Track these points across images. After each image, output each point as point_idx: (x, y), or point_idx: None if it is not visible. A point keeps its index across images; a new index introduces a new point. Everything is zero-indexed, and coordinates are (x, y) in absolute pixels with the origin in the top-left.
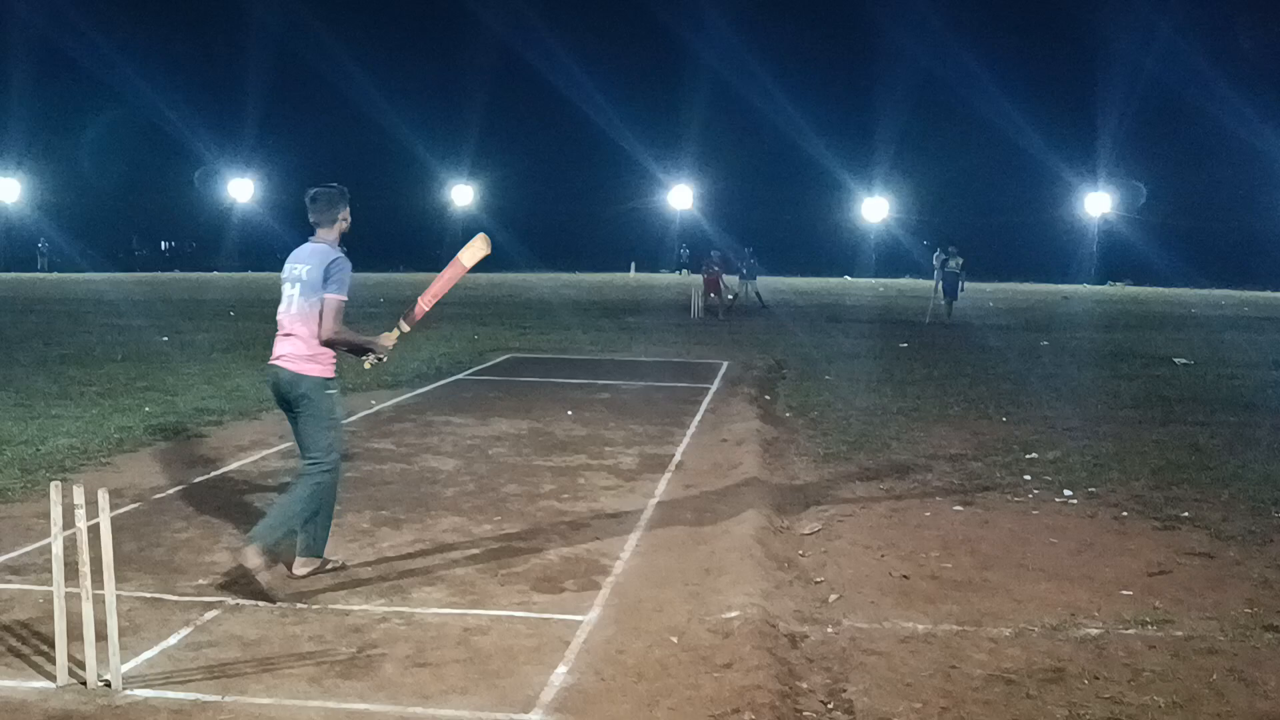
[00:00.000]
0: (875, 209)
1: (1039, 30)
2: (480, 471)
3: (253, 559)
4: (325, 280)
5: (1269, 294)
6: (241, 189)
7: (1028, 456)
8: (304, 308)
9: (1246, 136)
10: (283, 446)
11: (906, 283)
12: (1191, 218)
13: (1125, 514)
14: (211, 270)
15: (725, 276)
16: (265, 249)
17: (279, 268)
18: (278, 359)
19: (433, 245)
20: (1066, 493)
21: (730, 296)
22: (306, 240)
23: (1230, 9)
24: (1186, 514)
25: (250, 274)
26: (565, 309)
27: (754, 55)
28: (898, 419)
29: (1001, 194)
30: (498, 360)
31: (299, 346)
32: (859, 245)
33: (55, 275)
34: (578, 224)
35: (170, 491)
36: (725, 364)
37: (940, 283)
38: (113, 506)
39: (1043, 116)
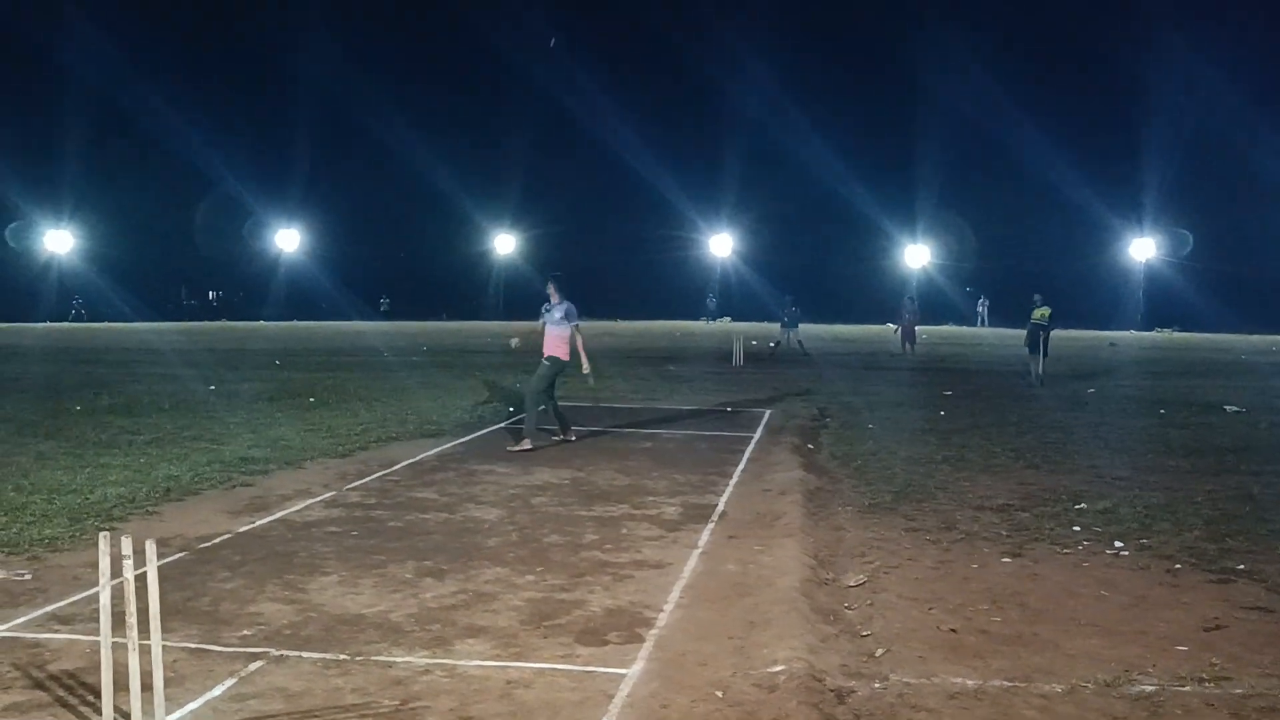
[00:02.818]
0: (917, 256)
1: (1082, 76)
2: (523, 521)
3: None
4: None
5: None
6: (288, 239)
7: (1077, 507)
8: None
9: None
10: (326, 496)
11: (949, 330)
12: (1239, 263)
13: (1178, 566)
14: (258, 320)
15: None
16: (310, 299)
17: (324, 317)
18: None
19: (476, 294)
20: (1117, 544)
21: (772, 345)
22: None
23: (1272, 51)
24: (1241, 566)
25: (296, 323)
26: (606, 357)
27: (794, 102)
28: (942, 468)
29: (1046, 240)
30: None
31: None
32: (901, 292)
33: (97, 325)
34: (618, 272)
35: (216, 540)
36: (768, 413)
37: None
38: (159, 556)
39: (1087, 162)
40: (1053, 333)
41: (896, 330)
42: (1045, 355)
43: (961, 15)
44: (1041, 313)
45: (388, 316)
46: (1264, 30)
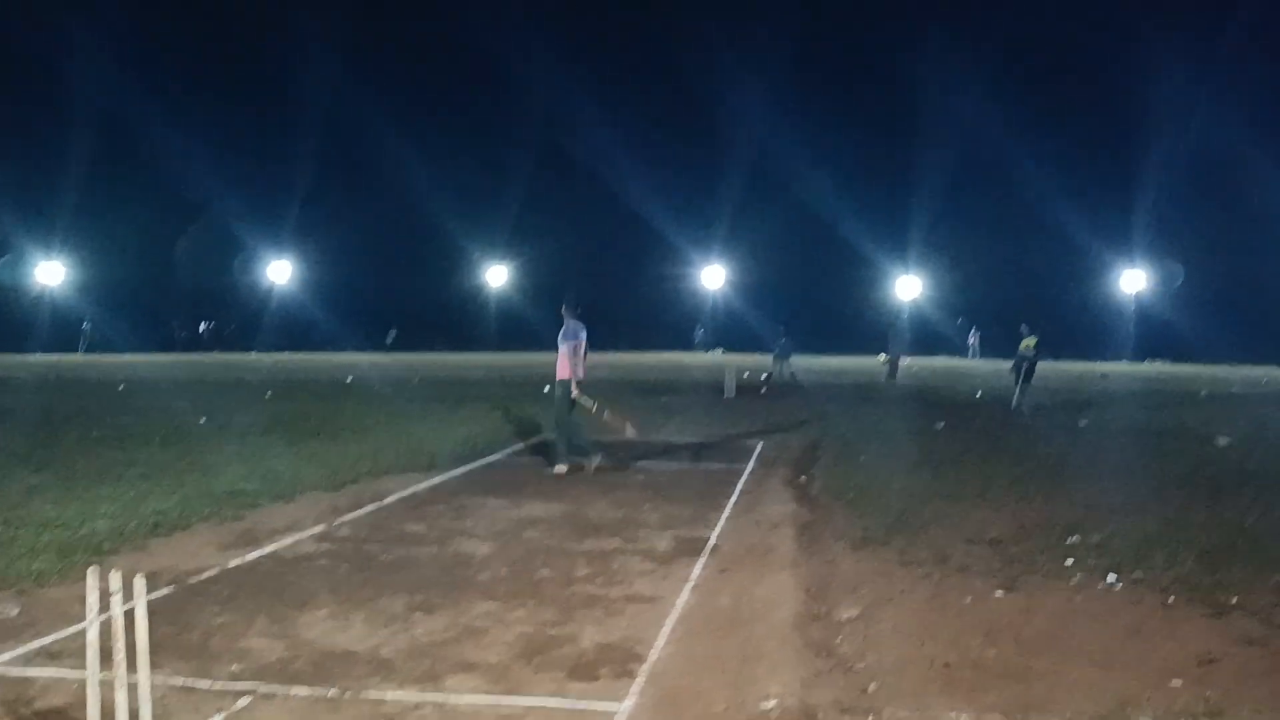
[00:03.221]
0: (908, 287)
1: (1074, 106)
2: (514, 555)
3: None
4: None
5: None
6: (280, 270)
7: (1070, 539)
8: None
9: None
10: (317, 529)
11: (940, 361)
12: (1230, 294)
13: (1172, 599)
14: (250, 351)
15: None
16: (303, 330)
17: (317, 348)
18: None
19: (469, 325)
20: (1111, 576)
21: (764, 376)
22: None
23: (1266, 84)
24: (1235, 599)
25: (288, 354)
26: (600, 388)
27: (787, 133)
28: (936, 501)
29: (1037, 271)
30: (532, 440)
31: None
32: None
33: (95, 356)
34: (612, 303)
35: (206, 575)
36: (760, 444)
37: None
38: (148, 590)
39: (1079, 192)
40: (1042, 363)
41: (885, 361)
42: (1029, 384)
43: (954, 47)
44: (1028, 343)
45: (395, 348)
46: (1258, 61)
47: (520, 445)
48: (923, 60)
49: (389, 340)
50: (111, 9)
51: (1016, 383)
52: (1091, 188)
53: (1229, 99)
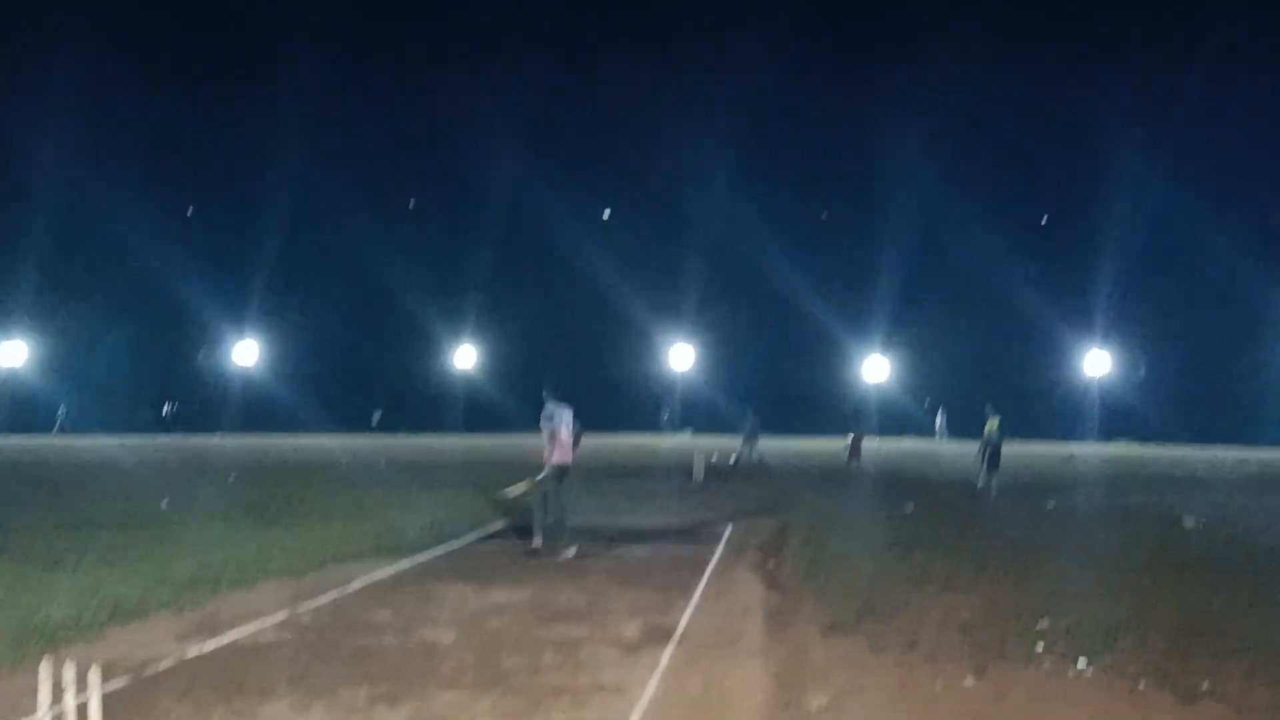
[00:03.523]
0: (876, 368)
1: (1036, 191)
2: (480, 644)
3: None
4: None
5: (1275, 453)
6: (245, 352)
7: (1039, 624)
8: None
9: (1246, 295)
10: (279, 617)
11: (908, 444)
12: (1192, 376)
13: (1142, 685)
14: (214, 433)
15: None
16: (268, 412)
17: (282, 430)
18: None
19: (433, 407)
20: (1081, 662)
21: (732, 459)
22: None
23: (1220, 170)
24: (1206, 685)
25: (252, 437)
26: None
27: (752, 216)
28: (905, 585)
29: (1002, 352)
30: (498, 526)
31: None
32: (863, 405)
33: (69, 439)
34: (579, 385)
35: (163, 665)
36: (729, 528)
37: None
38: (104, 681)
39: (1039, 276)
40: (1010, 443)
41: (847, 445)
42: (996, 468)
43: (912, 137)
44: (992, 424)
45: (379, 428)
46: (1209, 145)
47: (486, 530)
48: (883, 148)
49: (374, 421)
50: (68, 90)
51: (982, 465)
52: (1052, 271)
53: (1185, 181)
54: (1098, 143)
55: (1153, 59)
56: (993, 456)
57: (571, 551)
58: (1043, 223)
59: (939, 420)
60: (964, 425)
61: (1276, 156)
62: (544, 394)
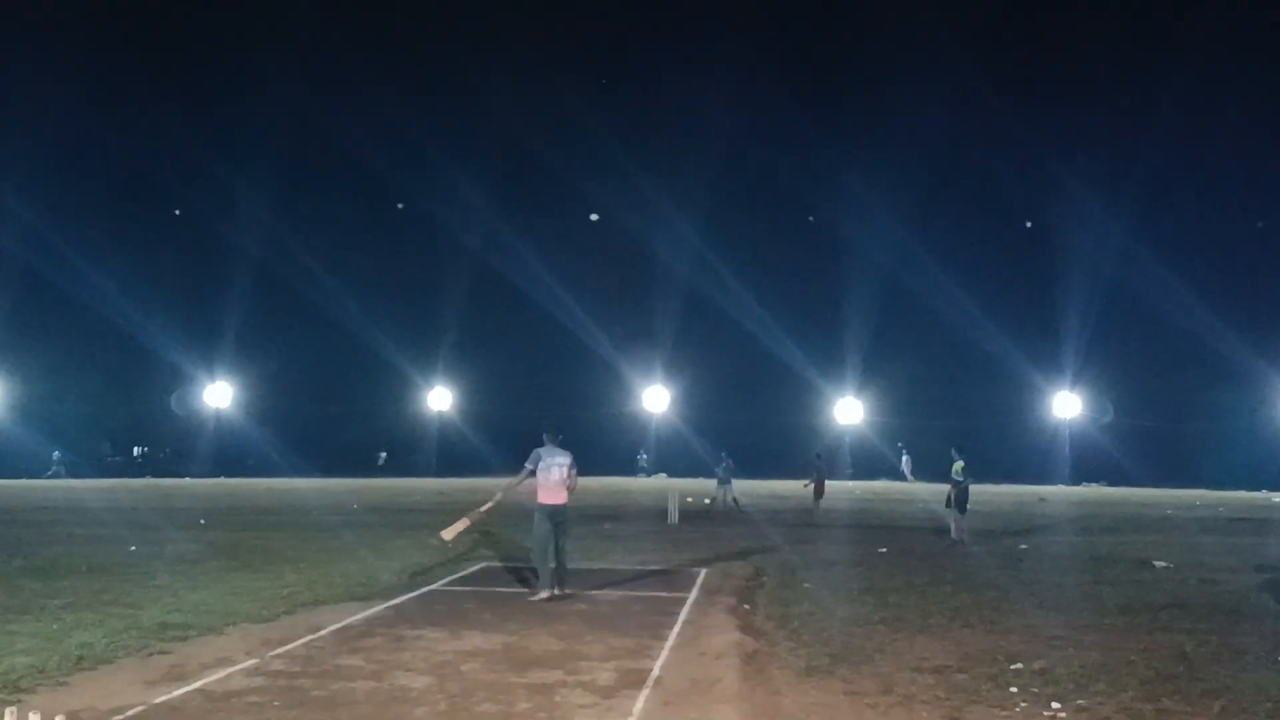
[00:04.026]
0: (849, 411)
1: (1002, 237)
2: (453, 689)
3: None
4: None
5: (1242, 494)
6: (218, 394)
7: (1013, 667)
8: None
9: (1210, 340)
10: (248, 663)
11: (881, 485)
12: (1161, 419)
13: None
14: (185, 477)
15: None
16: (239, 455)
17: (254, 474)
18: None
19: (409, 450)
20: (1054, 705)
21: (707, 502)
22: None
23: (1182, 216)
24: None
25: (224, 480)
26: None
27: (721, 259)
28: (879, 629)
29: (974, 396)
30: (472, 570)
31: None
32: (834, 448)
33: (63, 482)
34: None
35: (130, 713)
36: (703, 572)
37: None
38: None
39: (1011, 320)
40: (982, 487)
41: (807, 485)
42: (963, 512)
43: (882, 176)
44: (957, 467)
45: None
46: (1168, 193)
47: (459, 574)
48: (851, 194)
49: (380, 463)
50: (32, 131)
51: (950, 510)
52: (1020, 317)
53: (1148, 227)
54: (1062, 188)
55: (1114, 109)
56: (958, 500)
57: (544, 595)
58: (1027, 226)
59: (904, 463)
60: (935, 467)
61: (1238, 201)
62: (544, 436)
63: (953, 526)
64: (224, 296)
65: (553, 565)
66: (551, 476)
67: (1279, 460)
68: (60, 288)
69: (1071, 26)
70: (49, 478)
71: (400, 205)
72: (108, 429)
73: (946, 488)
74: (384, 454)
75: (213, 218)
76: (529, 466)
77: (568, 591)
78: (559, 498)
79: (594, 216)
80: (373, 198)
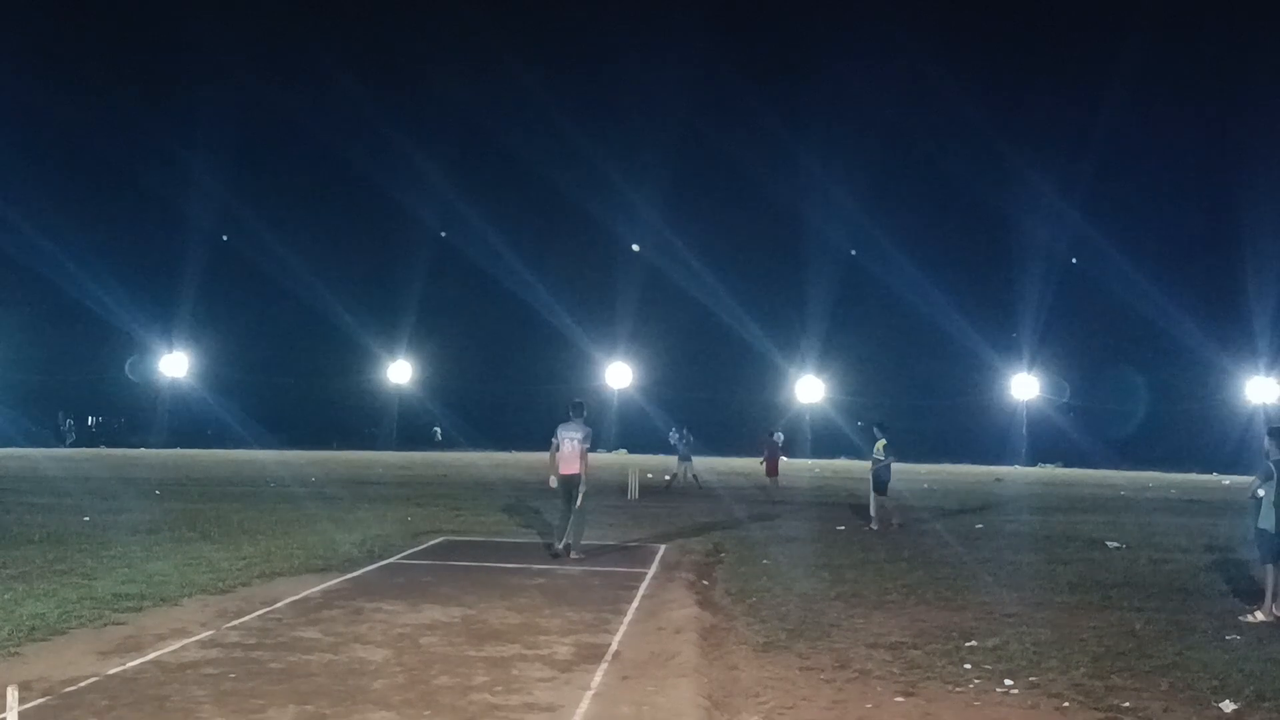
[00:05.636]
0: (810, 389)
1: (961, 220)
2: (411, 662)
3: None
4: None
5: (1194, 476)
6: (174, 364)
7: (967, 644)
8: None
9: (1163, 324)
10: (203, 635)
11: (841, 464)
12: (1115, 401)
13: (1066, 704)
14: (140, 447)
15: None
16: (198, 426)
17: (211, 445)
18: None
19: (367, 423)
20: (1007, 682)
21: (667, 478)
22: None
23: (1134, 200)
24: (1128, 704)
25: (180, 450)
26: (504, 489)
27: (684, 235)
28: (836, 605)
29: (932, 376)
30: (432, 543)
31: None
32: (795, 425)
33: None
34: (515, 402)
35: (83, 684)
36: (663, 548)
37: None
38: (20, 701)
39: (968, 301)
40: (940, 466)
41: (762, 462)
42: (884, 493)
43: (841, 157)
44: (878, 446)
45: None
46: (1121, 178)
47: (419, 547)
48: (811, 174)
49: (436, 437)
50: None
51: (873, 492)
52: (978, 297)
53: (1101, 212)
54: (1017, 172)
55: (1067, 93)
56: (878, 480)
57: (559, 548)
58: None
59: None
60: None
61: (1189, 187)
62: (569, 412)
63: (872, 506)
64: (182, 269)
65: (564, 530)
66: (564, 449)
67: (1230, 444)
68: (12, 258)
69: (1025, 12)
70: (70, 446)
71: (361, 184)
72: (62, 399)
73: (908, 467)
74: (438, 429)
75: (171, 192)
76: (553, 440)
77: (575, 556)
78: (571, 468)
79: (635, 247)
80: (330, 174)
